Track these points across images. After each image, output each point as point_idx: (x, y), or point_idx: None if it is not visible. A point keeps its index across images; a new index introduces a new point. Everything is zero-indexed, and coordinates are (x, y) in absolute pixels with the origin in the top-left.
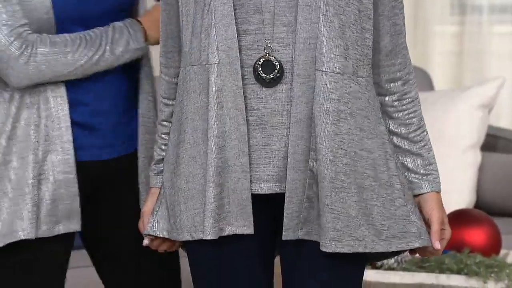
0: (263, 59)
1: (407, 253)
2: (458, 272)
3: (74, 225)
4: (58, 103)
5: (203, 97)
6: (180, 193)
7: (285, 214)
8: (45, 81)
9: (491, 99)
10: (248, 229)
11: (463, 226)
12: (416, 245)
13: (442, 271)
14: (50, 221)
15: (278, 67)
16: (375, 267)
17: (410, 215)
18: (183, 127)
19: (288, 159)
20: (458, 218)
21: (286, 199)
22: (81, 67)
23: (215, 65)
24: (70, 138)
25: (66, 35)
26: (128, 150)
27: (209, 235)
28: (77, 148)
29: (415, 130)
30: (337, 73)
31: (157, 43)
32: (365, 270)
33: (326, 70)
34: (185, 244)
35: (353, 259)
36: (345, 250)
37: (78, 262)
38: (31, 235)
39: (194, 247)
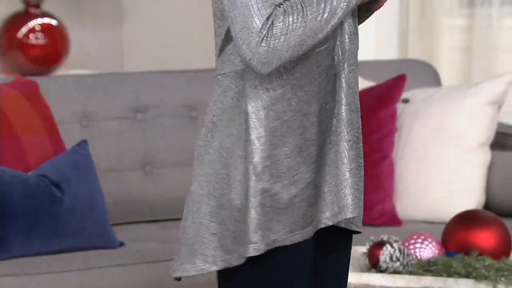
0: None
1: (412, 257)
2: (467, 276)
3: None
4: None
5: None
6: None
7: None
8: None
9: (501, 95)
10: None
11: (472, 228)
12: None
13: (449, 274)
14: None
15: None
16: (380, 271)
17: None
18: None
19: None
20: (467, 220)
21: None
22: None
23: None
24: None
25: None
26: None
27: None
28: None
29: None
30: None
31: None
32: (370, 274)
33: None
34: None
35: None
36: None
37: (58, 267)
38: None
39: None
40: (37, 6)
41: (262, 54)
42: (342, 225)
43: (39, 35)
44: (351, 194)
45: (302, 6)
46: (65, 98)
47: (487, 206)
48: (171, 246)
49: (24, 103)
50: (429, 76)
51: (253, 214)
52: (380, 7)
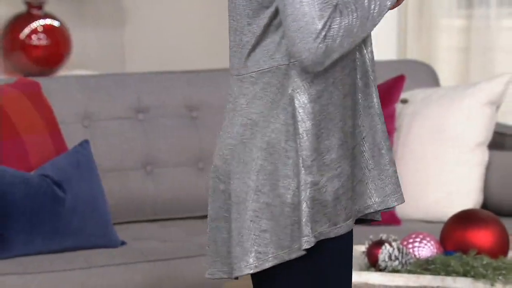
0: None
1: (411, 256)
2: (465, 274)
3: None
4: None
5: None
6: None
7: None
8: None
9: (499, 95)
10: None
11: (470, 227)
12: None
13: (448, 273)
14: None
15: None
16: (379, 270)
17: None
18: None
19: None
20: (465, 219)
21: None
22: None
23: None
24: None
25: None
26: None
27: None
28: None
29: None
30: None
31: None
32: (369, 273)
33: None
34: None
35: None
36: None
37: (60, 266)
38: None
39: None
40: (39, 7)
41: (318, 55)
42: (369, 217)
43: (41, 36)
44: (392, 183)
45: (355, 7)
46: (67, 98)
47: (485, 206)
48: (172, 245)
49: (26, 104)
50: (428, 76)
51: (304, 207)
52: (398, 6)
